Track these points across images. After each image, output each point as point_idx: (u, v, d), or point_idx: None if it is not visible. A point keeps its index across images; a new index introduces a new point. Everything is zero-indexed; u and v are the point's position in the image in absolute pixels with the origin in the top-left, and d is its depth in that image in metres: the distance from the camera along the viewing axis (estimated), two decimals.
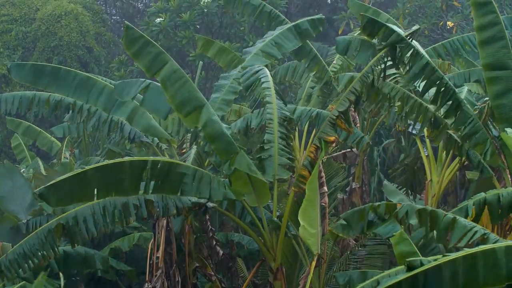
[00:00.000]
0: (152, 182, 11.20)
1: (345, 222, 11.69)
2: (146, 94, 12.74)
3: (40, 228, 11.52)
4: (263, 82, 12.16)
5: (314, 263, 11.38)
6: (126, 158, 11.34)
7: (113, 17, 35.43)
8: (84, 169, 10.89)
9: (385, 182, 16.05)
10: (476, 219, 10.60)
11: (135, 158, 11.43)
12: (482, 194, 10.67)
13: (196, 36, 18.59)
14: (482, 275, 8.36)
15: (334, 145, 17.79)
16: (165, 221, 13.10)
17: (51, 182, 10.66)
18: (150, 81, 12.81)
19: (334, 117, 11.77)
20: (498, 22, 12.42)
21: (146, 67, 11.69)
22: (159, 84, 11.94)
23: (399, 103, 13.21)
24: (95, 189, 10.86)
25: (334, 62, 17.46)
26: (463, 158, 12.91)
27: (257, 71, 12.40)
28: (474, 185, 15.30)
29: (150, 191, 11.27)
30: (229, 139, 11.64)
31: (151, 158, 11.43)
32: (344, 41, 14.63)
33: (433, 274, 8.28)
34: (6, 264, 11.20)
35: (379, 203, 11.21)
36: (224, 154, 11.65)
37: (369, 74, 12.06)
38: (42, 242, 11.29)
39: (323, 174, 12.89)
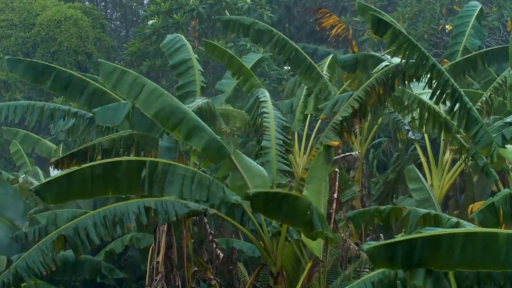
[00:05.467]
0: (152, 183, 11.10)
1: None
2: (132, 120, 12.67)
3: (42, 240, 11.29)
4: (260, 98, 12.83)
5: (310, 264, 11.35)
6: (124, 158, 11.27)
7: (113, 22, 35.41)
8: (80, 167, 10.85)
9: (411, 166, 15.56)
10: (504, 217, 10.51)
11: (133, 158, 11.36)
12: (506, 191, 10.52)
13: (204, 41, 18.55)
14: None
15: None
16: (165, 226, 13.07)
17: (47, 179, 10.63)
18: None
19: (338, 122, 11.86)
20: None
21: (126, 94, 11.87)
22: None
23: (417, 110, 13.33)
24: (92, 188, 10.79)
25: (324, 71, 17.39)
26: (469, 161, 12.97)
27: (258, 94, 13.26)
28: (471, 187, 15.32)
29: (149, 192, 11.19)
30: (219, 144, 11.66)
31: (149, 159, 11.35)
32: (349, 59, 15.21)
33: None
34: (10, 278, 10.95)
35: (385, 206, 11.02)
36: (216, 159, 11.71)
37: (374, 85, 12.18)
38: (44, 254, 11.07)
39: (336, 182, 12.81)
